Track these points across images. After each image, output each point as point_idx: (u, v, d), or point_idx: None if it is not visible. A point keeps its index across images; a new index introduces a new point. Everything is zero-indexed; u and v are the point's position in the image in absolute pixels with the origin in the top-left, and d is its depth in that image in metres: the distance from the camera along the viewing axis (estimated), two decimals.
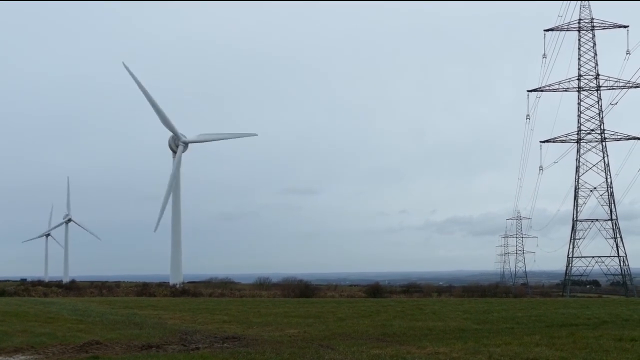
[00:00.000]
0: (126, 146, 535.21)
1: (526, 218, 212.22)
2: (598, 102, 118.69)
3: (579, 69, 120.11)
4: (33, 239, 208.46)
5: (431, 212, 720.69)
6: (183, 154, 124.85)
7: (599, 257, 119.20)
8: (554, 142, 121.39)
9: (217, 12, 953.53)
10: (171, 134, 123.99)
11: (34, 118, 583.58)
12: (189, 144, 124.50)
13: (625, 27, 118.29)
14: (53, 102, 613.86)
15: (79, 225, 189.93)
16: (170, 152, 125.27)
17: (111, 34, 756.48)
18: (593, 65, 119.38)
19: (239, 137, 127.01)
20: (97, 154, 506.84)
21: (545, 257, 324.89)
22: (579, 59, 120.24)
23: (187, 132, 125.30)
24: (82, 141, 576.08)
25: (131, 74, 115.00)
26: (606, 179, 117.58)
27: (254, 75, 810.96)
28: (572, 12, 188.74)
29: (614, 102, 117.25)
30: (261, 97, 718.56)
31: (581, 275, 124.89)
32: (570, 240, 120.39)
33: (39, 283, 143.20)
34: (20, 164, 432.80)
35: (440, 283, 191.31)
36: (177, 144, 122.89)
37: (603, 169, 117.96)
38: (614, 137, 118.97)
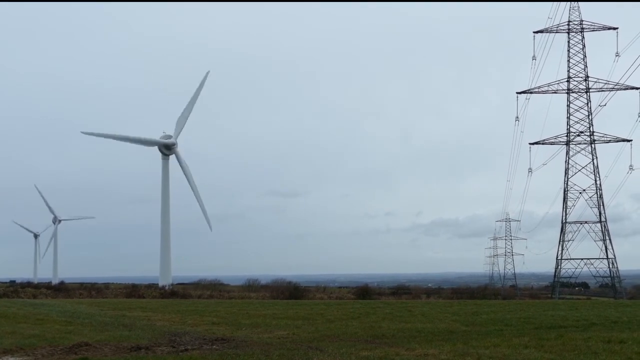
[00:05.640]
0: (115, 148, 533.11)
1: (515, 220, 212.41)
2: (587, 104, 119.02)
3: (568, 70, 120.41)
4: (24, 227, 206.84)
5: (419, 214, 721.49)
6: (171, 156, 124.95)
7: (588, 259, 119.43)
8: (543, 144, 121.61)
9: (206, 13, 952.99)
10: (159, 140, 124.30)
11: (22, 119, 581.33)
12: (178, 141, 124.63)
13: (614, 29, 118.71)
14: (41, 103, 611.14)
15: (69, 219, 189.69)
16: (160, 154, 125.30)
17: (100, 34, 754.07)
18: (582, 67, 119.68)
19: (200, 91, 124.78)
20: (86, 155, 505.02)
21: (534, 259, 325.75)
22: (568, 60, 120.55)
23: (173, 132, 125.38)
24: (71, 143, 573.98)
25: (96, 135, 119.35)
26: (595, 181, 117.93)
27: (241, 76, 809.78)
28: (561, 14, 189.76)
29: (603, 103, 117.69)
30: (248, 98, 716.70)
31: (570, 277, 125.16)
32: (559, 243, 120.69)
33: (28, 285, 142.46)
34: (7, 165, 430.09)
35: (429, 285, 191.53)
36: (171, 147, 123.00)
37: (592, 171, 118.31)
38: (603, 139, 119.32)
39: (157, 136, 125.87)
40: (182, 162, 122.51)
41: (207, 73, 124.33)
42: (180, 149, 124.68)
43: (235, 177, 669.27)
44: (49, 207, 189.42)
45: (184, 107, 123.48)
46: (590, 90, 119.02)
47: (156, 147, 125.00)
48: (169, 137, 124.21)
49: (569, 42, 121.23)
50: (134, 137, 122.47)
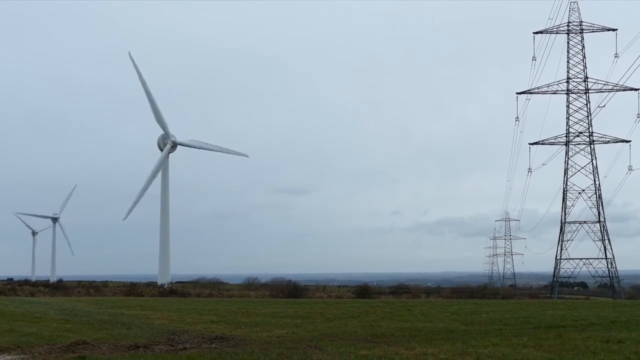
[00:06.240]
0: (114, 146, 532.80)
1: (515, 220, 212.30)
2: (586, 104, 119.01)
3: (567, 71, 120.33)
4: (28, 214, 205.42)
5: (420, 213, 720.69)
6: (172, 154, 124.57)
7: (587, 259, 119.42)
8: (542, 144, 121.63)
9: (202, 12, 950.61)
10: (161, 133, 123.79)
11: (21, 118, 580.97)
12: (178, 146, 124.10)
13: (613, 30, 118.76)
14: (40, 101, 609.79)
15: (62, 228, 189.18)
16: (159, 151, 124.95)
17: (96, 33, 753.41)
18: (582, 68, 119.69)
19: (228, 153, 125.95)
20: (85, 153, 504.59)
21: (534, 258, 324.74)
22: (567, 61, 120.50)
23: (172, 132, 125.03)
24: (69, 141, 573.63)
25: (135, 65, 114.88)
26: (594, 181, 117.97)
27: (241, 75, 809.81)
28: (561, 15, 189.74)
29: (602, 104, 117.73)
30: (247, 97, 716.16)
31: (569, 277, 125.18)
32: (559, 242, 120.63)
33: (25, 282, 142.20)
34: (7, 164, 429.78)
35: (429, 284, 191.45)
36: (166, 142, 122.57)
37: (591, 171, 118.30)
38: (602, 139, 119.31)
39: (157, 136, 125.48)
40: (167, 160, 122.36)
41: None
42: (174, 154, 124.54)
43: (236, 176, 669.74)
44: (64, 205, 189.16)
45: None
46: (590, 91, 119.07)
47: (156, 145, 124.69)
48: (173, 135, 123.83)
49: (568, 42, 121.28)
50: (155, 169, 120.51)
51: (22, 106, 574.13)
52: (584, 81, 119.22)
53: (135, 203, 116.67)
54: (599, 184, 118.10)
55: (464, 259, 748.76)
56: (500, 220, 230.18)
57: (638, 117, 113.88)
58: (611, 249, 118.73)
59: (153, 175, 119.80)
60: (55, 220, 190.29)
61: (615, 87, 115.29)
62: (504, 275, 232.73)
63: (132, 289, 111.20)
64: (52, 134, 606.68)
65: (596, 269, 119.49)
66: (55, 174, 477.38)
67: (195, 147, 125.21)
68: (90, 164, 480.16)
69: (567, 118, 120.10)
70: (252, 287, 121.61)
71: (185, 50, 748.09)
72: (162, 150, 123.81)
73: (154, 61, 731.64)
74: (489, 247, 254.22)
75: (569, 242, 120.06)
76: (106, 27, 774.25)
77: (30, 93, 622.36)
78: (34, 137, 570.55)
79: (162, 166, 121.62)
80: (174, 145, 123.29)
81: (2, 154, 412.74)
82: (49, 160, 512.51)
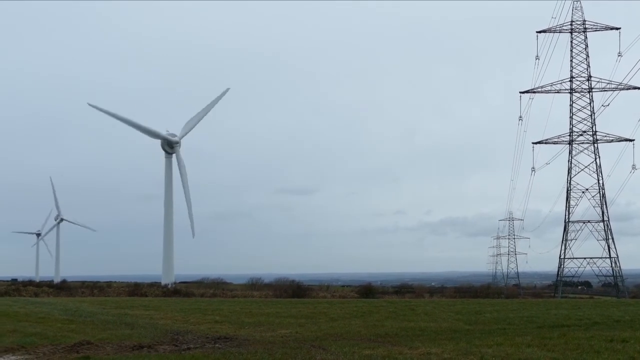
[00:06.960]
0: (115, 146, 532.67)
1: (518, 219, 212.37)
2: (590, 103, 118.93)
3: (571, 70, 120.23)
4: (24, 232, 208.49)
5: (423, 213, 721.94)
6: (174, 155, 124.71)
7: (591, 258, 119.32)
8: (546, 143, 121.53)
9: (202, 12, 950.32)
10: (165, 132, 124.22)
11: (23, 118, 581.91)
12: (174, 153, 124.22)
13: (617, 29, 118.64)
14: (40, 101, 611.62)
15: (71, 222, 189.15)
16: (163, 152, 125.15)
17: (96, 33, 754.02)
18: (585, 67, 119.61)
19: (215, 103, 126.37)
20: (88, 153, 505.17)
21: (537, 258, 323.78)
22: (571, 60, 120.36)
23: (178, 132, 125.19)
24: (72, 141, 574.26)
25: (101, 110, 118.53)
26: (598, 180, 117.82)
27: (243, 75, 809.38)
28: (565, 14, 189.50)
29: (606, 103, 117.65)
30: (247, 97, 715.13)
31: (573, 277, 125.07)
32: (562, 242, 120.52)
33: (30, 283, 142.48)
34: (8, 165, 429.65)
35: (433, 284, 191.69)
36: (173, 146, 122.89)
37: (595, 170, 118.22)
38: (605, 138, 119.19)
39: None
40: (181, 162, 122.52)
41: (227, 90, 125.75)
42: (182, 149, 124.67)
43: (239, 176, 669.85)
44: (57, 204, 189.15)
45: (195, 112, 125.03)
46: (593, 90, 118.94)
47: (159, 146, 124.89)
48: (174, 135, 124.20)
49: (571, 42, 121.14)
50: (138, 124, 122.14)
51: (22, 106, 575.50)
52: (587, 80, 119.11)
53: (100, 110, 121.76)
54: (603, 183, 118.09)
55: (468, 258, 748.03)
56: (503, 220, 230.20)
57: None
58: (615, 248, 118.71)
59: (123, 119, 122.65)
60: (60, 221, 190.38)
61: (618, 86, 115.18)
62: (507, 275, 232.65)
63: (136, 289, 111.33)
64: (52, 134, 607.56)
65: (600, 268, 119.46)
66: (55, 174, 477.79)
67: (192, 128, 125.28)
68: (90, 163, 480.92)
69: (571, 117, 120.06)
70: (255, 287, 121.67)
71: (185, 50, 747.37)
72: (165, 151, 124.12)
73: (154, 61, 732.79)
74: (493, 247, 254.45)
75: (573, 241, 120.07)
76: (106, 27, 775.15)
77: (30, 93, 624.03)
78: (34, 137, 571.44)
79: (145, 131, 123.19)
80: (172, 146, 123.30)
81: (2, 154, 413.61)
82: (49, 160, 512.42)
